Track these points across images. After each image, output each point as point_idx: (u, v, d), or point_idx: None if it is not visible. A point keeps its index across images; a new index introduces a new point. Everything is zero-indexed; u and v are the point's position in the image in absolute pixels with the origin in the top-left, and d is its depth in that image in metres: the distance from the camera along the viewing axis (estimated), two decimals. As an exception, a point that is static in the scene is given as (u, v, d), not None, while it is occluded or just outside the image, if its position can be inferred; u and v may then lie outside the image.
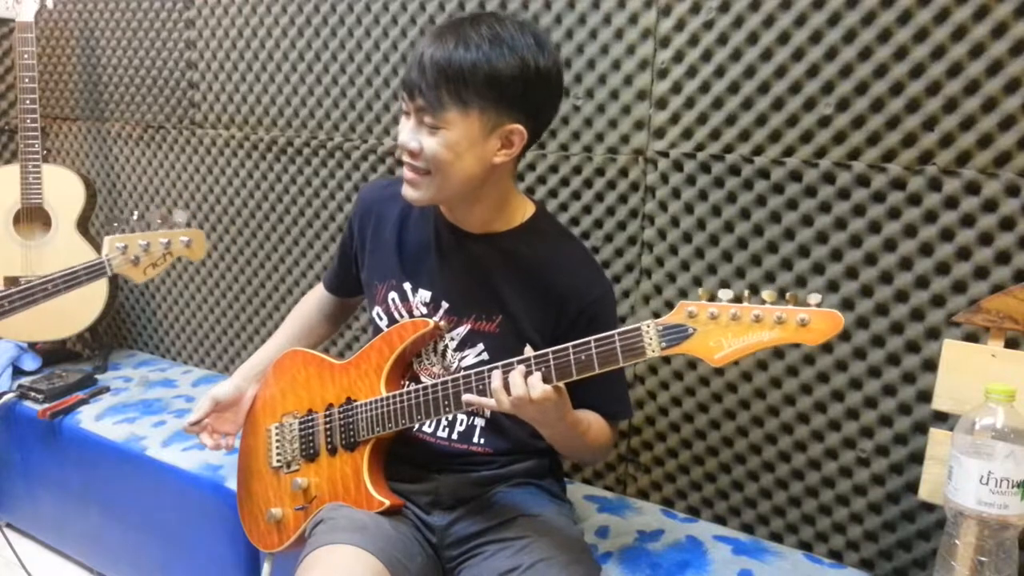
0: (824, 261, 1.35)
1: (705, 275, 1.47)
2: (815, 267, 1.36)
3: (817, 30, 1.29)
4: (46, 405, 1.88)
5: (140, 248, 1.43)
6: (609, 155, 1.53)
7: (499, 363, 1.04)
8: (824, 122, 1.32)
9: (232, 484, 1.55)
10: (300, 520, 1.22)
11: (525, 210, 1.22)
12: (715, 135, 1.42)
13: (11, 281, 2.08)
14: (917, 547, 1.34)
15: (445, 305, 1.20)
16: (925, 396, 1.27)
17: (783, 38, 1.33)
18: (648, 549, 1.36)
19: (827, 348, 1.37)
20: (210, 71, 2.08)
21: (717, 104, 1.41)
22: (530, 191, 1.63)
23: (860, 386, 1.35)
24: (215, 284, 2.20)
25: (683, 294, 1.49)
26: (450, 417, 1.21)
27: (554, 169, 1.59)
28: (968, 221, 1.23)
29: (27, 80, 2.07)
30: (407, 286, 1.24)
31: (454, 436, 1.22)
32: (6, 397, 1.94)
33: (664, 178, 1.48)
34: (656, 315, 1.52)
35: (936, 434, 1.18)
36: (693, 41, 1.41)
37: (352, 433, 1.19)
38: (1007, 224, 1.20)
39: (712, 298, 0.94)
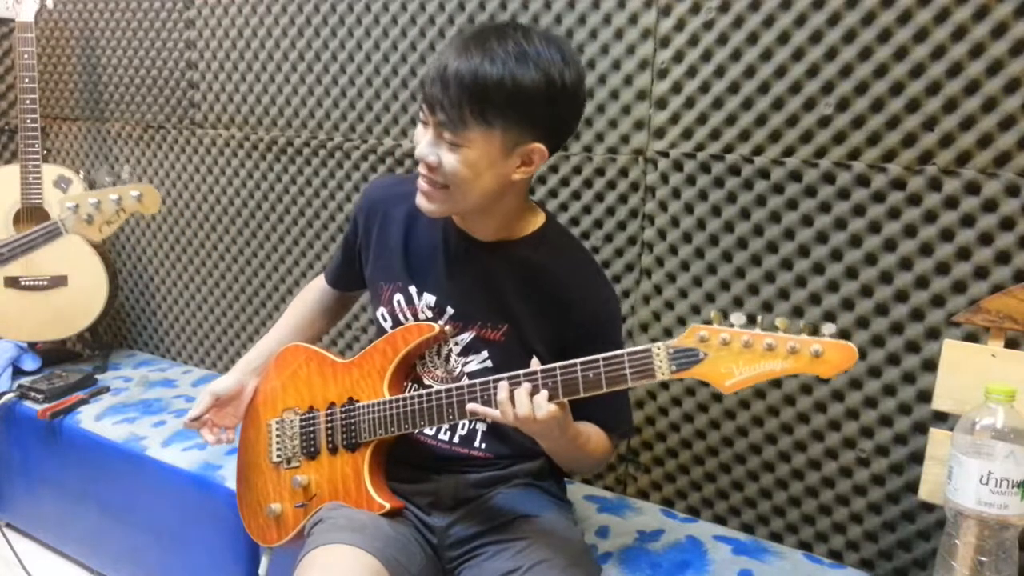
0: (824, 261, 1.35)
1: (705, 275, 1.47)
2: (815, 267, 1.36)
3: (817, 30, 1.29)
4: (46, 405, 1.88)
5: (91, 207, 1.44)
6: (609, 155, 1.53)
7: (505, 375, 1.04)
8: (824, 122, 1.32)
9: (232, 484, 1.54)
10: (300, 517, 1.22)
11: (536, 220, 1.21)
12: (715, 135, 1.42)
13: (11, 281, 2.08)
14: (917, 547, 1.34)
15: (450, 311, 1.20)
16: (925, 396, 1.27)
17: (783, 38, 1.33)
18: (648, 549, 1.36)
19: (827, 348, 1.37)
20: (210, 71, 2.08)
21: (717, 104, 1.41)
22: (530, 191, 1.62)
23: (860, 386, 1.35)
24: (215, 284, 2.20)
25: (683, 294, 1.50)
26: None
27: (554, 169, 1.59)
28: (968, 221, 1.23)
29: (27, 80, 2.07)
30: (412, 289, 1.23)
31: (455, 440, 1.22)
32: (6, 397, 1.94)
33: (664, 178, 1.48)
34: (656, 316, 1.53)
35: (936, 434, 1.18)
36: (693, 41, 1.41)
37: (354, 434, 1.19)
38: (1007, 224, 1.20)
39: (724, 320, 0.93)
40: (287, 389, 1.28)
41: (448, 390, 1.09)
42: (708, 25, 1.39)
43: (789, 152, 1.36)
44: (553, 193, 1.60)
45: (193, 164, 2.16)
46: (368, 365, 1.20)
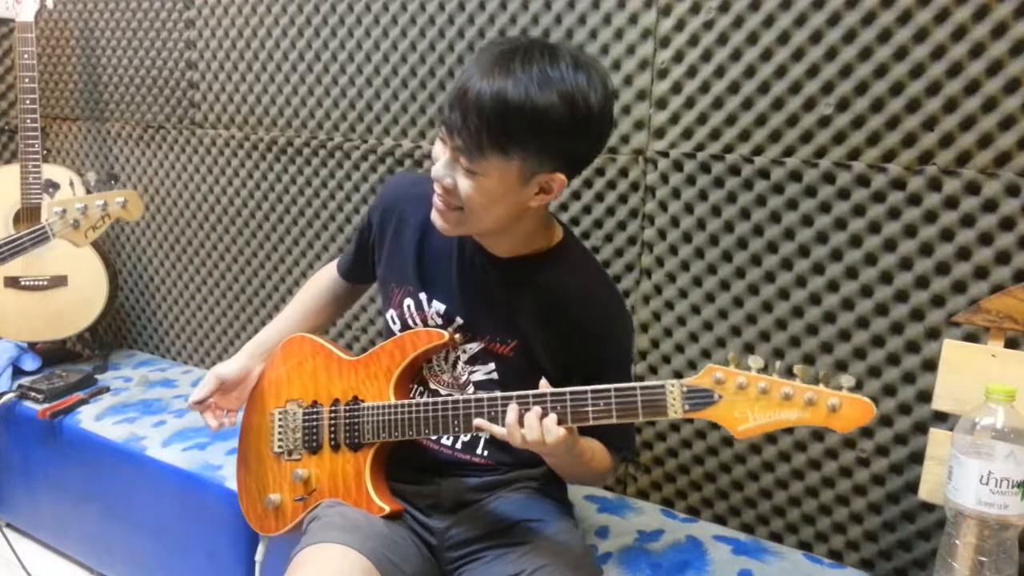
0: (824, 261, 1.35)
1: (705, 275, 1.47)
2: (815, 267, 1.36)
3: (817, 30, 1.29)
4: (46, 405, 1.88)
5: (78, 212, 1.47)
6: (609, 155, 1.53)
7: (514, 394, 1.03)
8: (824, 122, 1.32)
9: (232, 484, 1.54)
10: (299, 510, 1.22)
11: (553, 236, 1.18)
12: (715, 135, 1.42)
13: (11, 281, 2.08)
14: (917, 547, 1.34)
15: (459, 321, 1.19)
16: (925, 396, 1.27)
17: (783, 38, 1.33)
18: (648, 549, 1.36)
19: (827, 349, 1.37)
20: (210, 71, 2.08)
21: (717, 104, 1.41)
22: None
23: (860, 386, 1.35)
24: (215, 284, 2.20)
25: (683, 294, 1.50)
26: None
27: (554, 169, 1.59)
28: (968, 221, 1.23)
29: (27, 80, 2.07)
30: (423, 296, 1.21)
31: (458, 445, 1.22)
32: (6, 397, 1.94)
33: (664, 178, 1.48)
34: (656, 316, 1.53)
35: (936, 434, 1.18)
36: (693, 41, 1.41)
37: (357, 434, 1.18)
38: (1007, 224, 1.20)
39: (740, 364, 0.93)
40: (292, 380, 1.28)
41: (455, 402, 1.08)
42: (708, 25, 1.39)
43: (789, 152, 1.36)
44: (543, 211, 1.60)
45: (193, 164, 2.16)
46: (375, 366, 1.20)
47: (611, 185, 1.54)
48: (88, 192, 1.50)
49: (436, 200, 1.08)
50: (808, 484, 1.42)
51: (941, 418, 1.23)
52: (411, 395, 1.24)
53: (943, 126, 1.23)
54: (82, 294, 2.12)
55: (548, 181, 1.03)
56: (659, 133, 1.47)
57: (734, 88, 1.39)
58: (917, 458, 1.29)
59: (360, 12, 1.80)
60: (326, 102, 1.88)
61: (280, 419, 1.27)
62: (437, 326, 1.20)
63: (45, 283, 2.09)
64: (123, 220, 1.54)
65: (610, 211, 1.55)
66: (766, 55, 1.35)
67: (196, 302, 2.26)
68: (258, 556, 1.37)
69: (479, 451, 1.22)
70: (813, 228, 1.36)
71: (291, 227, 2.01)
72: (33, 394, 1.92)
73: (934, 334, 1.27)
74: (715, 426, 1.49)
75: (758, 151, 1.39)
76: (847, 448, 1.38)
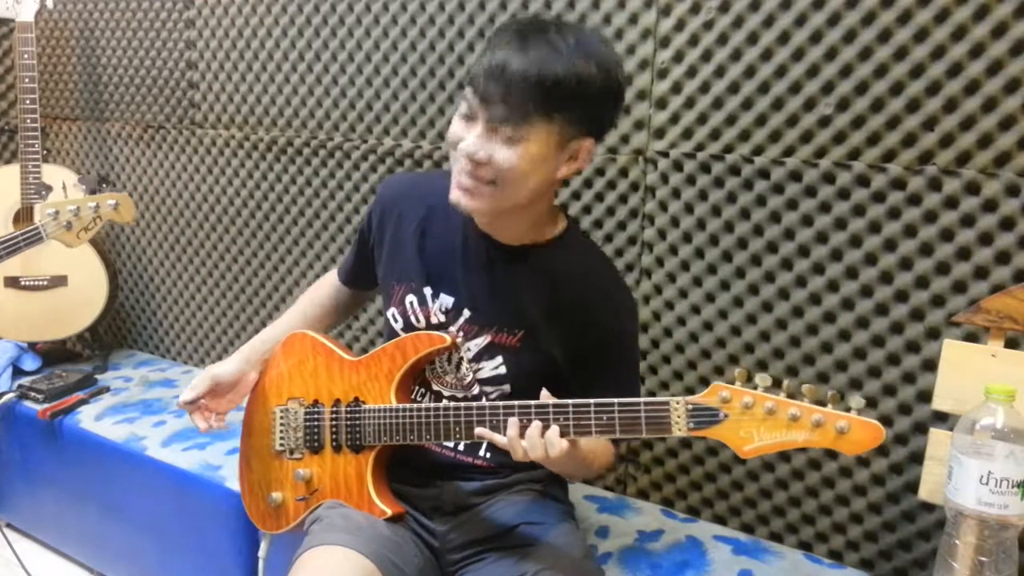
0: (824, 261, 1.35)
1: (705, 275, 1.47)
2: (815, 267, 1.36)
3: (817, 30, 1.29)
4: (46, 405, 1.88)
5: (71, 213, 1.50)
6: (609, 155, 1.53)
7: (516, 403, 1.02)
8: (824, 122, 1.32)
9: (232, 484, 1.55)
10: (301, 510, 1.22)
11: (558, 224, 1.18)
12: (715, 135, 1.42)
13: (11, 281, 2.08)
14: (917, 547, 1.34)
15: (467, 313, 1.18)
16: (925, 396, 1.27)
17: (783, 38, 1.33)
18: (648, 549, 1.36)
19: (827, 349, 1.37)
20: (210, 71, 2.08)
21: (717, 104, 1.41)
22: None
23: (860, 386, 1.35)
24: (215, 284, 2.20)
25: (683, 294, 1.50)
26: None
27: (554, 169, 1.59)
28: (968, 221, 1.23)
29: (27, 80, 2.07)
30: (427, 291, 1.21)
31: (460, 448, 1.22)
32: (6, 397, 1.94)
33: (664, 178, 1.48)
34: (656, 316, 1.53)
35: (936, 434, 1.18)
36: (693, 41, 1.41)
37: (358, 436, 1.18)
38: (1007, 224, 1.20)
39: (747, 381, 0.91)
40: (293, 378, 1.27)
41: (457, 410, 1.08)
42: (708, 25, 1.39)
43: (789, 152, 1.36)
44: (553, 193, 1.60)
45: (193, 164, 2.16)
46: (376, 367, 1.19)
47: (611, 185, 1.54)
48: (86, 193, 1.51)
49: (464, 179, 1.04)
50: (808, 484, 1.42)
51: (941, 418, 1.23)
52: (413, 397, 1.24)
53: (943, 126, 1.23)
54: (82, 294, 2.12)
55: (578, 148, 1.05)
56: (659, 133, 1.47)
57: (734, 88, 1.39)
58: (917, 458, 1.29)
59: (360, 12, 1.80)
60: (326, 102, 1.88)
61: (282, 417, 1.26)
62: (439, 323, 1.20)
63: (45, 283, 2.09)
64: (115, 222, 1.57)
65: (610, 211, 1.55)
66: (766, 55, 1.35)
67: (196, 302, 2.26)
68: (261, 553, 1.37)
69: (481, 453, 1.22)
70: (813, 228, 1.36)
71: (291, 227, 2.01)
72: (33, 394, 1.92)
73: (934, 334, 1.27)
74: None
75: (758, 151, 1.39)
76: (847, 448, 1.38)
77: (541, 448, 0.99)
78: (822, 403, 0.89)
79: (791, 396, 0.90)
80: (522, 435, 1.01)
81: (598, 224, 1.56)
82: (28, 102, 2.07)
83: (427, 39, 1.71)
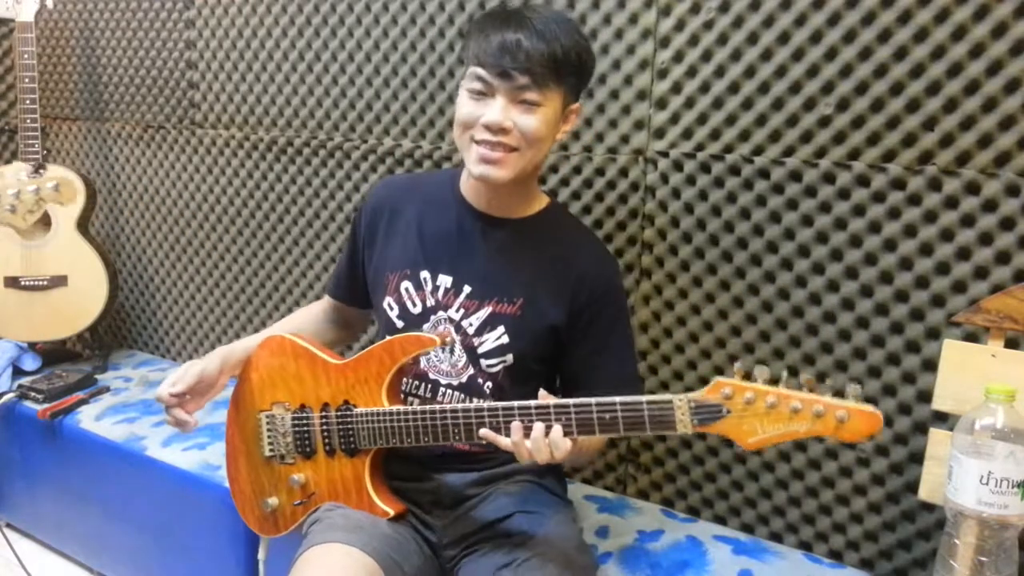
0: (824, 261, 1.35)
1: (705, 275, 1.47)
2: (815, 267, 1.36)
3: (817, 30, 1.29)
4: (46, 405, 1.88)
5: (12, 197, 1.55)
6: (609, 155, 1.53)
7: (515, 404, 1.03)
8: (824, 122, 1.32)
9: (232, 484, 1.55)
10: (299, 514, 1.22)
11: (542, 199, 1.28)
12: (715, 135, 1.42)
13: (11, 281, 2.08)
14: (917, 547, 1.34)
15: (467, 289, 1.21)
16: (925, 396, 1.27)
17: (783, 38, 1.33)
18: (648, 549, 1.36)
19: (827, 349, 1.37)
20: (210, 71, 2.08)
21: (717, 104, 1.41)
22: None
23: (873, 401, 1.35)
24: (215, 284, 2.20)
25: (683, 294, 1.49)
26: None
27: (554, 169, 1.59)
28: (968, 221, 1.23)
29: (27, 80, 2.07)
30: (424, 274, 1.24)
31: None
32: (6, 397, 1.94)
33: (664, 178, 1.48)
34: (656, 316, 1.53)
35: (936, 434, 1.18)
36: (693, 41, 1.41)
37: (352, 440, 1.17)
38: (1007, 224, 1.20)
39: (747, 376, 0.94)
40: (275, 382, 1.25)
41: (455, 412, 1.08)
42: (708, 25, 1.39)
43: (789, 152, 1.36)
44: (553, 193, 1.60)
45: (193, 164, 2.16)
46: (364, 370, 1.18)
47: (611, 185, 1.54)
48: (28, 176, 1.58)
49: (486, 152, 1.12)
50: (808, 484, 1.42)
51: (941, 418, 1.23)
52: (408, 389, 1.24)
53: (943, 126, 1.23)
54: (82, 294, 2.12)
55: (570, 112, 1.19)
56: (659, 133, 1.47)
57: (734, 88, 1.39)
58: (917, 458, 1.29)
59: (360, 12, 1.80)
60: (326, 102, 1.88)
61: (268, 423, 1.24)
62: (435, 305, 1.22)
63: (45, 283, 2.09)
64: (58, 203, 1.62)
65: (610, 211, 1.55)
66: (766, 55, 1.35)
67: (196, 302, 2.26)
68: (261, 555, 1.37)
69: (477, 439, 1.22)
70: (813, 228, 1.36)
71: (291, 227, 2.01)
72: (33, 394, 1.92)
73: (934, 334, 1.27)
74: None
75: (758, 151, 1.39)
76: (847, 448, 1.38)
77: (547, 451, 1.00)
78: (822, 394, 0.91)
79: (791, 388, 0.92)
80: (526, 436, 1.01)
81: (598, 224, 1.56)
82: (28, 102, 2.07)
83: (427, 39, 1.71)
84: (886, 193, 1.29)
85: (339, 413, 1.18)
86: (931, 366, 1.27)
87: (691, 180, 1.45)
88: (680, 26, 1.42)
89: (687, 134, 1.45)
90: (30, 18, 2.08)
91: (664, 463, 1.58)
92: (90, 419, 1.86)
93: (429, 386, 1.23)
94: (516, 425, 1.02)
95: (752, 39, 1.36)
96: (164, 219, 2.26)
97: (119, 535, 1.81)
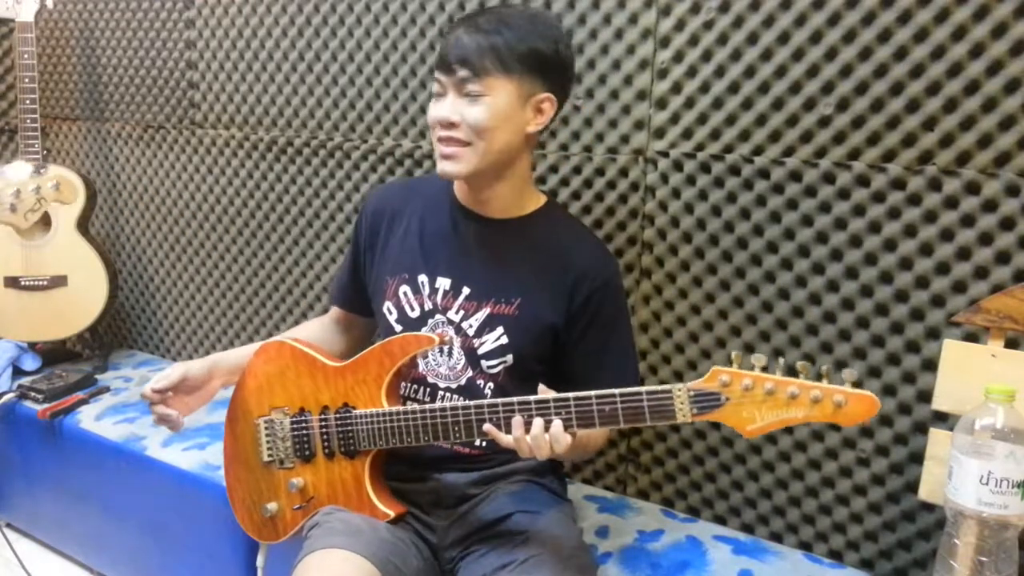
0: (824, 261, 1.35)
1: (705, 275, 1.47)
2: (815, 267, 1.36)
3: (817, 30, 1.29)
4: (46, 405, 1.88)
5: (12, 196, 1.56)
6: (609, 155, 1.53)
7: (515, 399, 1.03)
8: (824, 122, 1.32)
9: (232, 484, 1.55)
10: (299, 519, 1.22)
11: (538, 199, 1.28)
12: (715, 135, 1.42)
13: (11, 281, 2.08)
14: (917, 547, 1.34)
15: (466, 290, 1.21)
16: (925, 396, 1.27)
17: (783, 38, 1.33)
18: (648, 549, 1.36)
19: (827, 348, 1.37)
20: (210, 71, 2.08)
21: (717, 104, 1.41)
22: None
23: (860, 386, 1.34)
24: (215, 284, 2.20)
25: (683, 294, 1.49)
26: None
27: (554, 169, 1.59)
28: (968, 221, 1.23)
29: (27, 80, 2.07)
30: (422, 278, 1.24)
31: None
32: (6, 397, 1.94)
33: (664, 178, 1.48)
34: (656, 316, 1.53)
35: (936, 434, 1.18)
36: (693, 41, 1.41)
37: (352, 441, 1.17)
38: (1007, 224, 1.20)
39: (743, 363, 0.94)
40: (274, 388, 1.25)
41: (455, 410, 1.08)
42: (708, 25, 1.39)
43: (789, 152, 1.36)
44: (553, 193, 1.60)
45: (193, 164, 2.16)
46: (363, 372, 1.18)
47: (611, 185, 1.54)
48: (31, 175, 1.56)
49: (443, 148, 1.15)
50: (808, 484, 1.42)
51: (941, 418, 1.23)
52: (407, 394, 1.24)
53: (943, 126, 1.23)
54: (82, 294, 2.12)
55: (540, 103, 1.16)
56: (659, 133, 1.47)
57: (734, 88, 1.39)
58: (917, 458, 1.29)
59: (360, 12, 1.80)
60: (326, 102, 1.88)
61: (267, 428, 1.24)
62: (433, 308, 1.21)
63: (45, 283, 2.09)
64: (60, 203, 1.61)
65: (610, 211, 1.55)
66: (766, 55, 1.35)
67: (196, 302, 2.26)
68: (259, 562, 1.36)
69: (476, 442, 1.22)
70: (813, 228, 1.36)
71: (291, 227, 2.01)
72: (33, 394, 1.92)
73: (934, 334, 1.27)
74: (716, 426, 1.49)
75: (758, 151, 1.39)
76: (847, 448, 1.38)
77: (547, 446, 1.01)
78: (817, 379, 0.92)
79: (785, 374, 0.93)
80: (527, 431, 1.01)
81: (598, 224, 1.56)
82: (28, 102, 2.07)
83: (427, 39, 1.71)
84: (886, 193, 1.29)
85: (338, 415, 1.18)
86: (931, 366, 1.27)
87: (691, 180, 1.45)
88: (680, 26, 1.42)
89: (687, 134, 1.45)
90: (30, 18, 2.08)
91: (664, 463, 1.58)
92: (90, 419, 1.86)
93: (428, 390, 1.23)
94: (517, 420, 1.02)
95: (752, 39, 1.36)
96: (164, 219, 2.26)
97: (119, 535, 1.81)
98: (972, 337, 1.22)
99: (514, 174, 1.21)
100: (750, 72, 1.37)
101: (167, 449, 1.71)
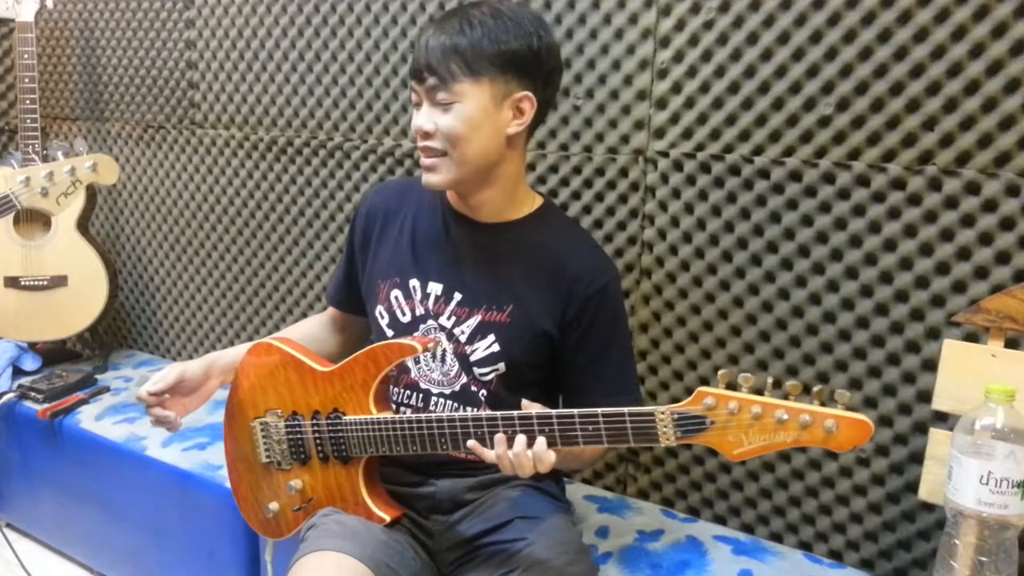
0: (824, 261, 1.35)
1: (705, 275, 1.47)
2: (815, 267, 1.36)
3: (817, 30, 1.29)
4: (46, 405, 1.88)
5: (44, 179, 1.43)
6: (609, 155, 1.53)
7: (499, 414, 1.02)
8: (824, 122, 1.32)
9: (232, 484, 1.55)
10: (299, 519, 1.22)
11: (533, 201, 1.24)
12: (715, 135, 1.42)
13: (11, 281, 2.08)
14: (917, 547, 1.34)
15: (458, 296, 1.19)
16: (925, 396, 1.27)
17: (783, 38, 1.33)
18: (648, 549, 1.36)
19: (827, 349, 1.37)
20: (210, 71, 2.08)
21: (717, 104, 1.41)
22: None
23: (860, 386, 1.35)
24: (215, 284, 2.20)
25: (683, 294, 1.49)
26: None
27: (554, 169, 1.59)
28: (968, 221, 1.23)
29: (27, 80, 2.07)
30: (414, 283, 1.22)
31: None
32: (6, 397, 1.94)
33: (664, 178, 1.48)
34: (656, 316, 1.53)
35: (936, 434, 1.18)
36: (693, 41, 1.41)
37: (344, 447, 1.16)
38: (1007, 224, 1.20)
39: (731, 386, 0.91)
40: (266, 390, 1.24)
41: (440, 422, 1.07)
42: (708, 25, 1.39)
43: (789, 152, 1.36)
44: (553, 193, 1.60)
45: (193, 164, 2.16)
46: (350, 378, 1.16)
47: (611, 185, 1.54)
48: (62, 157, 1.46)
49: (423, 159, 1.13)
50: (808, 484, 1.42)
51: (941, 418, 1.23)
52: (400, 400, 1.24)
53: (943, 126, 1.22)
54: (82, 294, 2.12)
55: (518, 103, 1.12)
56: (659, 133, 1.47)
57: (734, 88, 1.39)
58: (917, 458, 1.29)
59: (360, 12, 1.80)
60: (326, 102, 1.88)
61: (262, 430, 1.24)
62: (424, 314, 1.20)
63: (45, 283, 2.09)
64: (98, 184, 1.50)
65: (610, 211, 1.55)
66: (766, 55, 1.35)
67: (196, 302, 2.26)
68: (268, 556, 1.36)
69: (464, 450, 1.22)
70: (813, 228, 1.36)
71: (291, 227, 2.01)
72: (33, 394, 1.92)
73: (934, 334, 1.27)
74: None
75: (758, 151, 1.39)
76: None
77: (529, 464, 0.99)
78: (808, 400, 0.88)
79: (776, 394, 0.90)
80: (509, 448, 1.00)
81: (598, 224, 1.56)
82: (28, 102, 2.07)
83: (427, 39, 1.71)
84: (886, 193, 1.28)
85: (329, 421, 1.17)
86: (931, 366, 1.27)
87: (691, 180, 1.45)
88: (680, 26, 1.42)
89: (687, 134, 1.45)
90: (30, 18, 2.08)
91: (664, 463, 1.58)
92: (90, 419, 1.86)
93: (420, 396, 1.22)
94: (500, 437, 1.01)
95: (752, 39, 1.36)
96: (164, 219, 2.26)
97: (119, 535, 1.81)
98: (972, 337, 1.22)
99: (502, 177, 1.17)
100: (750, 72, 1.37)
101: (167, 449, 1.71)
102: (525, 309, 1.17)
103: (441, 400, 1.21)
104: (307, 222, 1.98)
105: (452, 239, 1.22)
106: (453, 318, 1.19)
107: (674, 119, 1.45)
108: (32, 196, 1.43)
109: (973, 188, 1.22)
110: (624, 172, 1.52)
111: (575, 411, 0.98)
